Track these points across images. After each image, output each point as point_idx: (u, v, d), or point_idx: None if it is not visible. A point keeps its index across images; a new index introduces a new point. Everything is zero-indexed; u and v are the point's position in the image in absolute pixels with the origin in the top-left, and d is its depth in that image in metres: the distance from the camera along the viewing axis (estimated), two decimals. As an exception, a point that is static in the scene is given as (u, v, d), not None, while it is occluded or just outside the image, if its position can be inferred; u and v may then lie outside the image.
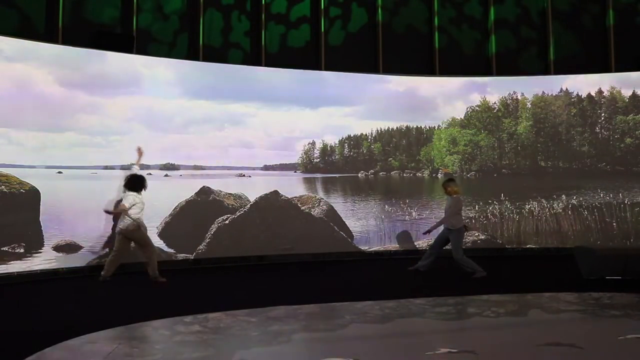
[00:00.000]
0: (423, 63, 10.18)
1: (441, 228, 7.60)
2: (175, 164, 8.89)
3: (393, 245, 9.40)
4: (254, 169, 9.38)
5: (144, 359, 3.89)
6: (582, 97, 10.11)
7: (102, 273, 6.92)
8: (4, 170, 7.29)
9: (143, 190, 7.12)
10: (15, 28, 7.86)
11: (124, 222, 6.90)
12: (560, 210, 9.67)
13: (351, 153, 10.13)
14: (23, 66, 7.55)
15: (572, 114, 10.10)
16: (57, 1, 8.16)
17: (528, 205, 9.74)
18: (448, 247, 7.49)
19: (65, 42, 8.09)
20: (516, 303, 5.74)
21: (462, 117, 10.18)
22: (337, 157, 10.01)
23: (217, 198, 8.81)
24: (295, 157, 9.68)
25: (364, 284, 6.99)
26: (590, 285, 6.48)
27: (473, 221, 9.58)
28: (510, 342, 4.30)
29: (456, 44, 10.29)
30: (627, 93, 9.98)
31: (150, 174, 8.62)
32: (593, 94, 10.09)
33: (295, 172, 9.69)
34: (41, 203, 7.47)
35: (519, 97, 10.19)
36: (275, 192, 9.01)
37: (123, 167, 8.12)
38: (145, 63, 8.59)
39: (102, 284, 6.79)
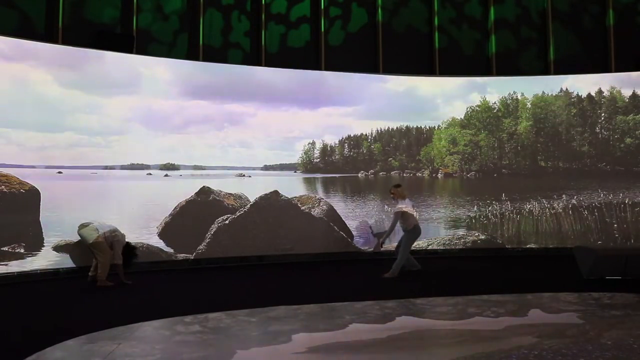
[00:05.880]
0: (423, 63, 10.18)
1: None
2: (175, 164, 8.89)
3: (393, 245, 9.39)
4: (254, 169, 9.38)
5: (144, 359, 3.89)
6: (582, 97, 10.11)
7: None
8: (4, 170, 7.29)
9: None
10: (15, 28, 7.86)
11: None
12: (560, 210, 9.67)
13: (351, 153, 10.12)
14: (23, 66, 7.55)
15: (572, 114, 10.09)
16: (57, 1, 8.16)
17: (528, 205, 9.74)
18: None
19: (65, 42, 8.10)
20: (516, 303, 5.73)
21: (462, 117, 10.18)
22: (337, 157, 10.01)
23: (217, 198, 8.80)
24: (295, 157, 9.69)
25: (364, 284, 6.99)
26: (590, 285, 6.48)
27: (473, 221, 9.59)
28: (510, 342, 4.29)
29: (456, 44, 10.29)
30: (627, 93, 9.98)
31: (150, 174, 8.64)
32: (593, 94, 10.08)
33: (295, 172, 9.69)
34: (41, 203, 7.48)
35: (519, 97, 10.19)
36: (275, 192, 9.01)
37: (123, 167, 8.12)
38: (144, 63, 8.58)
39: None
